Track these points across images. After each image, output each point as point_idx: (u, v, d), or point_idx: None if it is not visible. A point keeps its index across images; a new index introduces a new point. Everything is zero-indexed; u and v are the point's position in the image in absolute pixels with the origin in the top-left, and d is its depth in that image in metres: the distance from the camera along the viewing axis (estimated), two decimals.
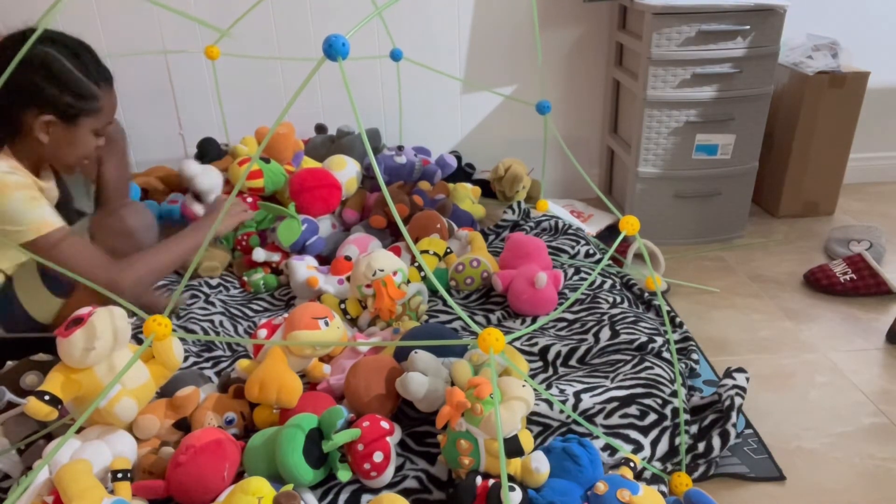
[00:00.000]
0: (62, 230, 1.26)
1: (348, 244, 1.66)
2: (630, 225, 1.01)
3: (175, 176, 2.13)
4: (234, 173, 1.83)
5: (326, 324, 1.21)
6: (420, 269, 1.54)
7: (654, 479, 1.10)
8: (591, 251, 1.75)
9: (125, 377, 1.02)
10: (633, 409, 1.16)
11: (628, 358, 1.30)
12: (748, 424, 1.29)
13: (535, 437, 1.13)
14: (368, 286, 1.42)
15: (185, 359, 1.36)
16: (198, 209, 1.79)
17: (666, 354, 1.31)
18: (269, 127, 2.05)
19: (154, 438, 1.10)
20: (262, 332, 1.24)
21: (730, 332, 1.62)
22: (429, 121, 2.28)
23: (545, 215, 1.91)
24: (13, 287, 1.37)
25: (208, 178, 1.80)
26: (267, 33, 2.12)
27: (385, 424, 1.06)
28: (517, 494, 0.95)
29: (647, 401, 1.18)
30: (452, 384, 1.11)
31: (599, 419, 1.15)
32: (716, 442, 1.17)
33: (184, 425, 1.11)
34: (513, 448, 0.99)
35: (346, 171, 1.86)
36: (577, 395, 1.18)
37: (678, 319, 1.55)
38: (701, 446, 1.17)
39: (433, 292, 1.56)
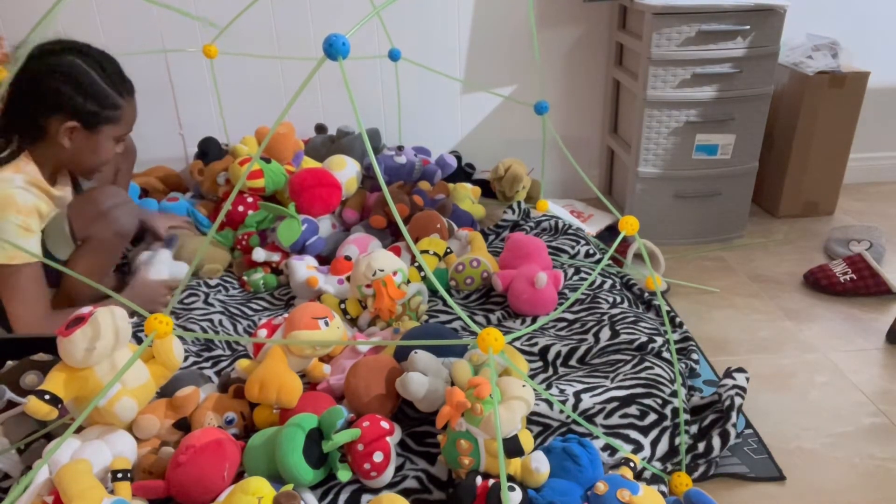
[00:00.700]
0: (31, 268, 1.30)
1: (348, 244, 1.66)
2: (630, 225, 1.01)
3: (175, 175, 2.14)
4: (235, 173, 1.83)
5: (326, 324, 1.21)
6: (420, 269, 1.54)
7: (654, 479, 1.10)
8: (591, 251, 1.75)
9: (125, 377, 1.02)
10: (633, 409, 1.16)
11: (628, 358, 1.30)
12: (748, 424, 1.29)
13: (535, 437, 1.13)
14: (368, 286, 1.42)
15: (185, 359, 1.36)
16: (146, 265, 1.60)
17: (666, 354, 1.31)
18: (269, 127, 2.05)
19: (154, 438, 1.10)
20: (262, 332, 1.24)
21: (730, 332, 1.62)
22: (429, 121, 2.28)
23: (545, 215, 1.91)
24: None
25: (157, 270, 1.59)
26: (267, 33, 2.12)
27: (385, 424, 1.06)
28: (517, 494, 0.95)
29: (647, 401, 1.18)
30: (452, 384, 1.11)
31: (599, 419, 1.15)
32: (716, 442, 1.17)
33: (184, 425, 1.11)
34: (513, 448, 0.99)
35: (346, 171, 1.86)
36: (577, 395, 1.18)
37: (678, 319, 1.55)
38: (701, 446, 1.17)
39: (433, 292, 1.56)
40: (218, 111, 2.13)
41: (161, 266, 1.57)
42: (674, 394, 1.20)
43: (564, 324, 1.46)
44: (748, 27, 1.84)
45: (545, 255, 1.60)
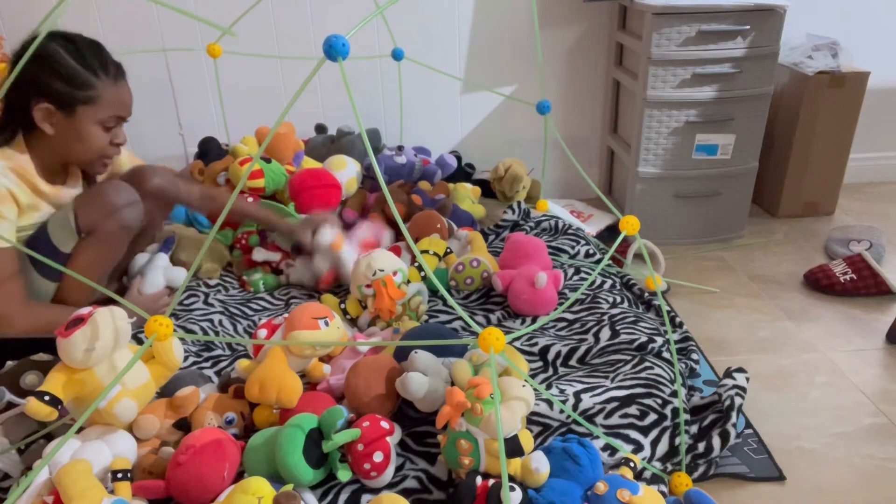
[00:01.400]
0: (4, 254, 1.27)
1: (364, 224, 1.69)
2: (630, 225, 1.01)
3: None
4: (235, 173, 1.83)
5: (326, 324, 1.21)
6: (420, 269, 1.54)
7: (654, 479, 1.10)
8: (591, 251, 1.75)
9: (125, 377, 1.02)
10: (633, 409, 1.16)
11: (628, 358, 1.30)
12: (748, 424, 1.29)
13: (535, 437, 1.13)
14: (368, 286, 1.42)
15: (185, 359, 1.36)
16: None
17: (666, 354, 1.31)
18: (270, 127, 2.06)
19: (154, 438, 1.10)
20: (262, 332, 1.24)
21: (730, 332, 1.62)
22: (429, 121, 2.28)
23: (545, 215, 1.91)
24: None
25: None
26: (267, 33, 2.12)
27: (385, 424, 1.06)
28: (517, 494, 0.95)
29: (647, 401, 1.18)
30: (452, 384, 1.11)
31: (599, 419, 1.15)
32: (716, 442, 1.17)
33: (184, 425, 1.11)
34: (513, 448, 0.99)
35: (346, 171, 1.86)
36: (577, 395, 1.18)
37: (678, 319, 1.56)
38: (701, 446, 1.17)
39: (433, 292, 1.56)
40: (218, 111, 2.13)
41: (157, 272, 1.56)
42: (674, 394, 1.20)
43: (564, 324, 1.46)
44: (748, 27, 1.84)
45: (545, 255, 1.60)
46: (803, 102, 2.05)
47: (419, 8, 2.13)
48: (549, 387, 1.23)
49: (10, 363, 1.16)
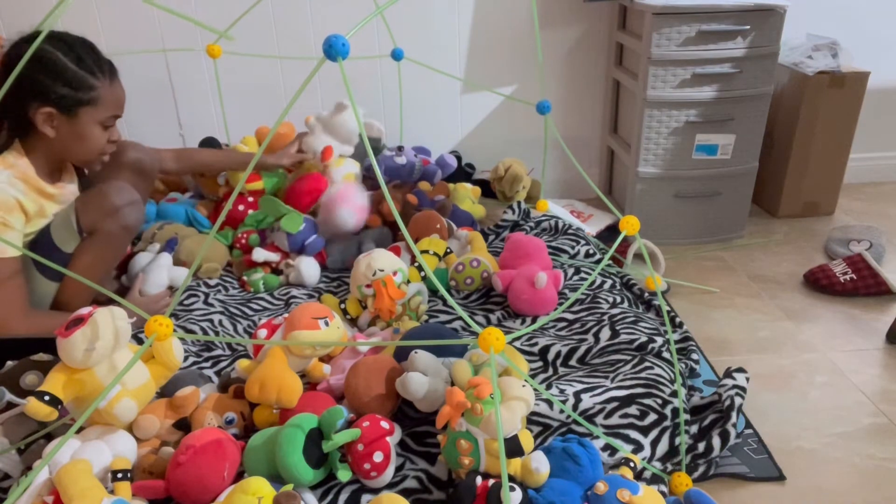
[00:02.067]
0: (8, 263, 1.27)
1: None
2: (630, 225, 1.01)
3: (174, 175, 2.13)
4: (234, 174, 1.83)
5: (326, 324, 1.21)
6: (420, 269, 1.54)
7: (654, 479, 1.10)
8: (591, 251, 1.75)
9: (125, 378, 1.02)
10: (633, 409, 1.16)
11: (628, 358, 1.30)
12: (748, 424, 1.29)
13: (535, 437, 1.13)
14: (368, 286, 1.42)
15: (185, 359, 1.36)
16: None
17: (666, 354, 1.31)
18: (270, 127, 2.06)
19: (154, 438, 1.10)
20: (262, 332, 1.24)
21: (730, 332, 1.62)
22: (429, 121, 2.28)
23: (545, 215, 1.91)
24: None
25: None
26: (267, 33, 2.12)
27: (385, 424, 1.06)
28: (517, 494, 0.95)
29: (647, 401, 1.18)
30: (452, 384, 1.11)
31: (599, 419, 1.15)
32: (716, 442, 1.17)
33: (184, 425, 1.11)
34: (513, 448, 0.99)
35: (342, 167, 1.86)
36: (577, 395, 1.18)
37: (678, 319, 1.55)
38: (701, 446, 1.17)
39: (433, 292, 1.56)
40: (218, 111, 2.13)
41: (161, 272, 1.57)
42: (674, 394, 1.20)
43: (564, 324, 1.46)
44: (748, 27, 1.84)
45: (545, 255, 1.60)
46: (803, 102, 2.05)
47: (419, 8, 2.13)
48: (549, 387, 1.23)
49: (10, 363, 1.16)
